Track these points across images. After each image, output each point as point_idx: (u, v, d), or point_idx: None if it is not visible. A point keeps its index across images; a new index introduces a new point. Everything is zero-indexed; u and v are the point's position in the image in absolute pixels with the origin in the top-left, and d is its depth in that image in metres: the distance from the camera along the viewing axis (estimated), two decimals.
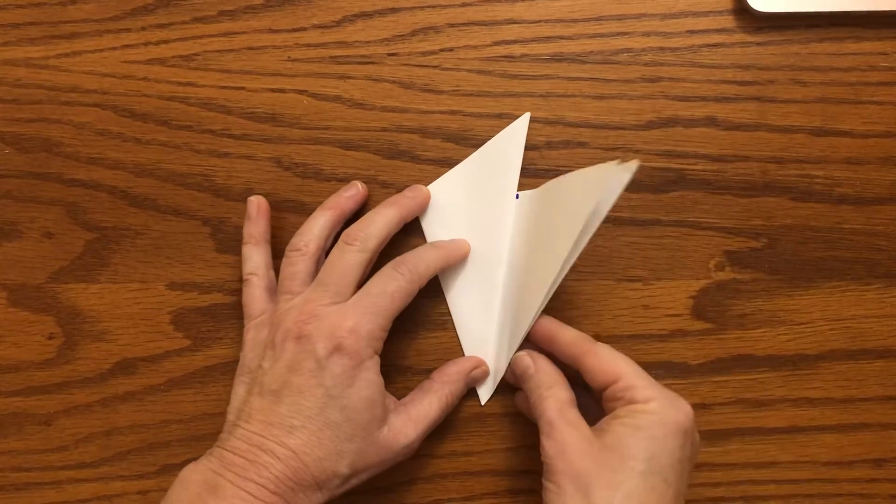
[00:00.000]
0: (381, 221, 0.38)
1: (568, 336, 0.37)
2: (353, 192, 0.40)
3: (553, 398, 0.35)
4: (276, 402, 0.34)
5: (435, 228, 0.41)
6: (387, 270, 0.37)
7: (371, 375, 0.35)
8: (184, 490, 0.33)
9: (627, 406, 0.33)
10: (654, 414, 0.32)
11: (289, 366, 0.34)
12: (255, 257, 0.39)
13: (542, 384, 0.36)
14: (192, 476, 0.34)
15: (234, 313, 0.41)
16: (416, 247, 0.40)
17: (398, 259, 0.37)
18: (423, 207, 0.41)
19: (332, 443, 0.34)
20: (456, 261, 0.40)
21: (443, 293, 0.41)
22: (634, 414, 0.33)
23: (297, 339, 0.34)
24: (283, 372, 0.34)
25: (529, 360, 0.37)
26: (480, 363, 0.40)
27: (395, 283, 0.36)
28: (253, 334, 0.38)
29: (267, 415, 0.34)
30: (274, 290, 0.39)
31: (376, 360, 0.35)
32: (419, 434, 0.37)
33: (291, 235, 0.38)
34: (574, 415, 0.34)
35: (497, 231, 0.40)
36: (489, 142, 0.41)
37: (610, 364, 0.34)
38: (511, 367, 0.38)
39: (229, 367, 0.41)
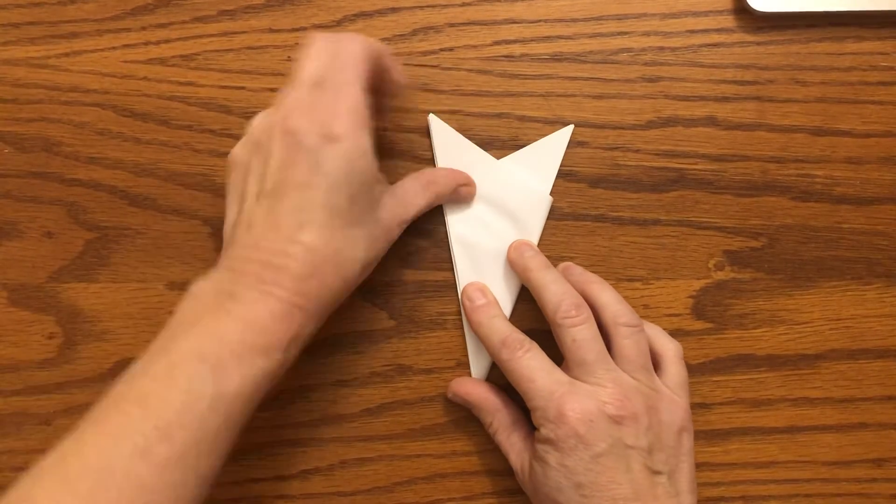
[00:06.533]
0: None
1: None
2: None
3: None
4: (278, 201, 0.31)
5: (461, 224, 0.40)
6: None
7: (368, 156, 0.33)
8: (196, 302, 0.31)
9: (535, 437, 0.35)
10: (547, 448, 0.34)
11: (282, 163, 0.31)
12: None
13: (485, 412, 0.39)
14: (204, 287, 0.31)
15: None
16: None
17: None
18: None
19: (343, 231, 0.32)
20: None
21: (441, 293, 0.41)
22: (536, 453, 0.35)
23: (283, 133, 0.32)
24: (278, 169, 0.31)
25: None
26: (469, 181, 0.40)
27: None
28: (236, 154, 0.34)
29: (270, 217, 0.31)
30: None
31: (368, 136, 0.33)
32: (409, 218, 0.37)
33: None
34: (517, 438, 0.38)
35: (525, 233, 0.40)
36: (528, 146, 0.41)
37: (522, 374, 0.35)
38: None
39: None
